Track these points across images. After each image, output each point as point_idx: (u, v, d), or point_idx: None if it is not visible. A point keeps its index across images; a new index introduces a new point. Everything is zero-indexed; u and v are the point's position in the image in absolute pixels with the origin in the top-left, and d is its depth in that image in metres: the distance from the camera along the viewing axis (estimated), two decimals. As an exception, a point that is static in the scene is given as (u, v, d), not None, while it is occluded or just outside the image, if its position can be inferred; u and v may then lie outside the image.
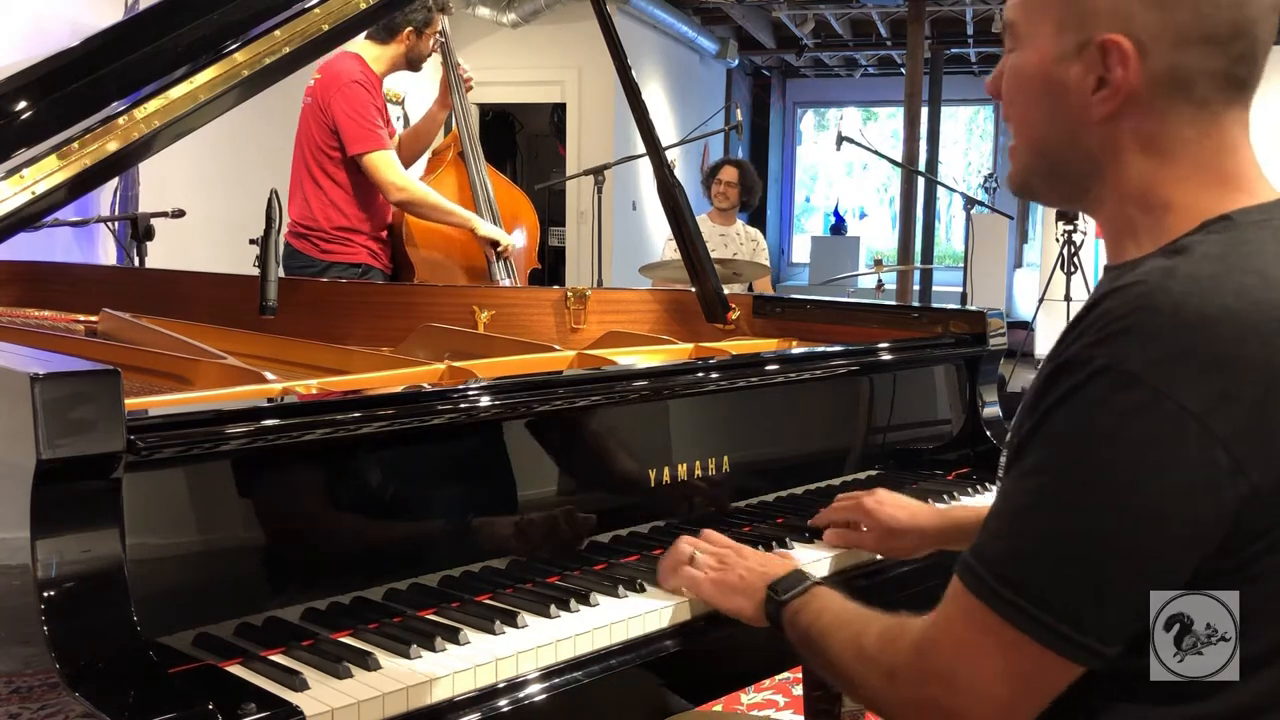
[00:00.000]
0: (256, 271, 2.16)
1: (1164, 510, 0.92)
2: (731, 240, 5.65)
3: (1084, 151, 1.06)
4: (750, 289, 5.06)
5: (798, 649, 1.26)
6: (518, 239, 3.79)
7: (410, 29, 3.60)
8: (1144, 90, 1.01)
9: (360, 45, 3.67)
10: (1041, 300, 8.01)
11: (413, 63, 3.70)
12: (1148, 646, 0.97)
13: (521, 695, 1.24)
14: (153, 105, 1.66)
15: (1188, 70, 1.00)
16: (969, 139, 16.41)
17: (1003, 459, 1.13)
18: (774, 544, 1.65)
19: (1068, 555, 0.95)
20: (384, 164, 3.49)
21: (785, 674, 3.26)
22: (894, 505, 1.64)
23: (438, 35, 3.66)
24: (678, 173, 2.52)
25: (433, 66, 3.83)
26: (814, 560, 1.62)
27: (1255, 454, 0.91)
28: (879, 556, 1.69)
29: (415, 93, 4.46)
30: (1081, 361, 0.94)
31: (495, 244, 3.57)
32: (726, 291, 2.44)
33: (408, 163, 3.86)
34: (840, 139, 6.02)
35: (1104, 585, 0.95)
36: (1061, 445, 0.96)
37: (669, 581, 1.46)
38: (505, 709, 1.22)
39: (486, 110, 9.50)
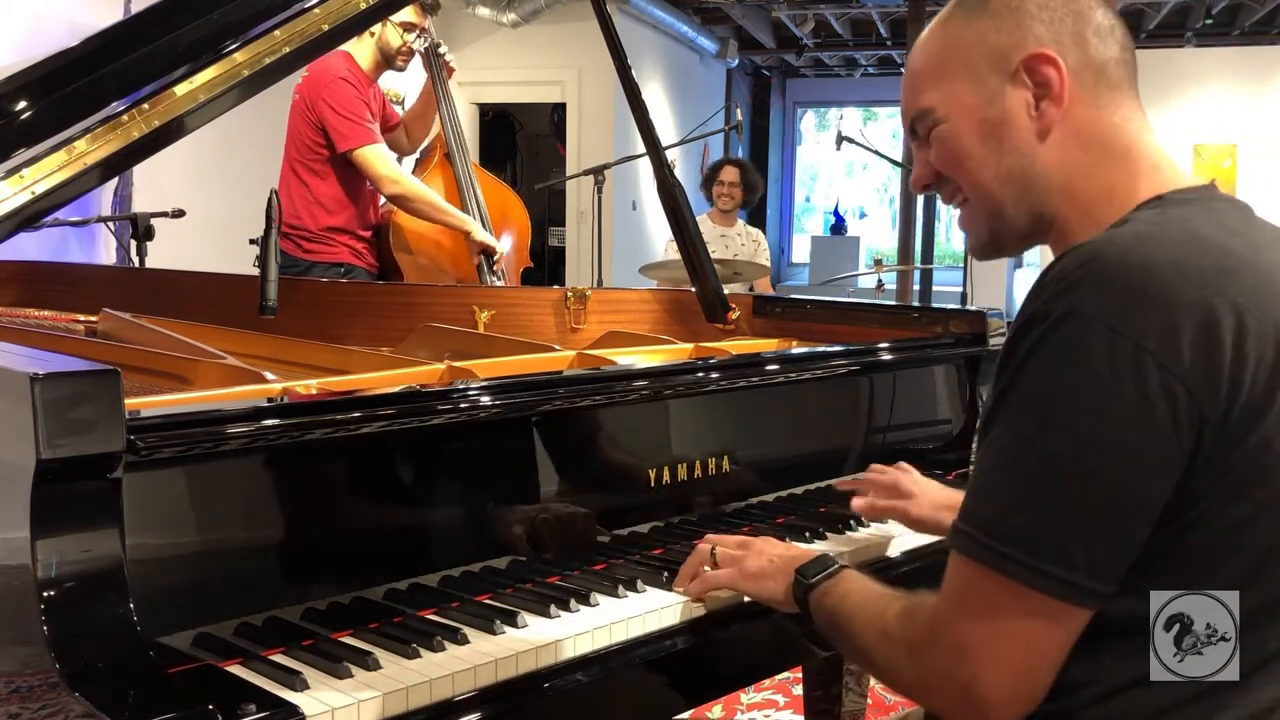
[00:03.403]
0: (256, 271, 2.16)
1: (1132, 441, 0.98)
2: (732, 241, 5.65)
3: (1042, 171, 1.15)
4: (751, 289, 5.05)
5: (824, 632, 1.29)
6: (506, 242, 3.76)
7: None
8: (1075, 87, 1.13)
9: (349, 44, 3.63)
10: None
11: (386, 56, 3.60)
12: (1135, 589, 1.02)
13: (521, 695, 1.24)
14: (152, 105, 1.66)
15: (1098, 59, 1.14)
16: (969, 139, 16.35)
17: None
18: (790, 543, 1.64)
19: (1050, 497, 1.00)
20: (375, 158, 3.46)
21: (785, 674, 3.26)
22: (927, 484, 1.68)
23: (410, 33, 3.57)
24: (678, 173, 2.52)
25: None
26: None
27: (1203, 386, 0.98)
28: (888, 554, 1.70)
29: (415, 94, 4.45)
30: (1042, 315, 1.02)
31: (488, 252, 3.53)
32: (726, 291, 2.45)
33: (417, 143, 3.84)
34: (840, 139, 6.01)
35: (1086, 521, 0.99)
36: (1033, 394, 1.02)
37: (695, 588, 1.44)
38: (505, 709, 1.22)
39: (486, 110, 9.49)
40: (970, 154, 1.17)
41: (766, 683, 3.31)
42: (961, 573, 1.05)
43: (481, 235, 3.54)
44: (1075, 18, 1.14)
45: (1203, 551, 1.02)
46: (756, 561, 1.41)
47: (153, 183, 4.85)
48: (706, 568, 1.45)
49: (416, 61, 3.77)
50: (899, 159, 7.79)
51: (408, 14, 3.55)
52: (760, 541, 1.46)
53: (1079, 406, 0.98)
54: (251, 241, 2.19)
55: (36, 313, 2.63)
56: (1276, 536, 1.02)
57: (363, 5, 1.86)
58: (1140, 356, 0.97)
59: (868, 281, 6.48)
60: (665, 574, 1.49)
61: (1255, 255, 1.05)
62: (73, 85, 1.69)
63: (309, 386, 1.62)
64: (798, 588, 1.32)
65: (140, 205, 4.70)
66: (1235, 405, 0.98)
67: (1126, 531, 1.00)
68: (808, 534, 1.71)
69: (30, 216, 1.56)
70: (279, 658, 1.21)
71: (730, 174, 5.65)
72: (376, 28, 3.53)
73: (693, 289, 2.43)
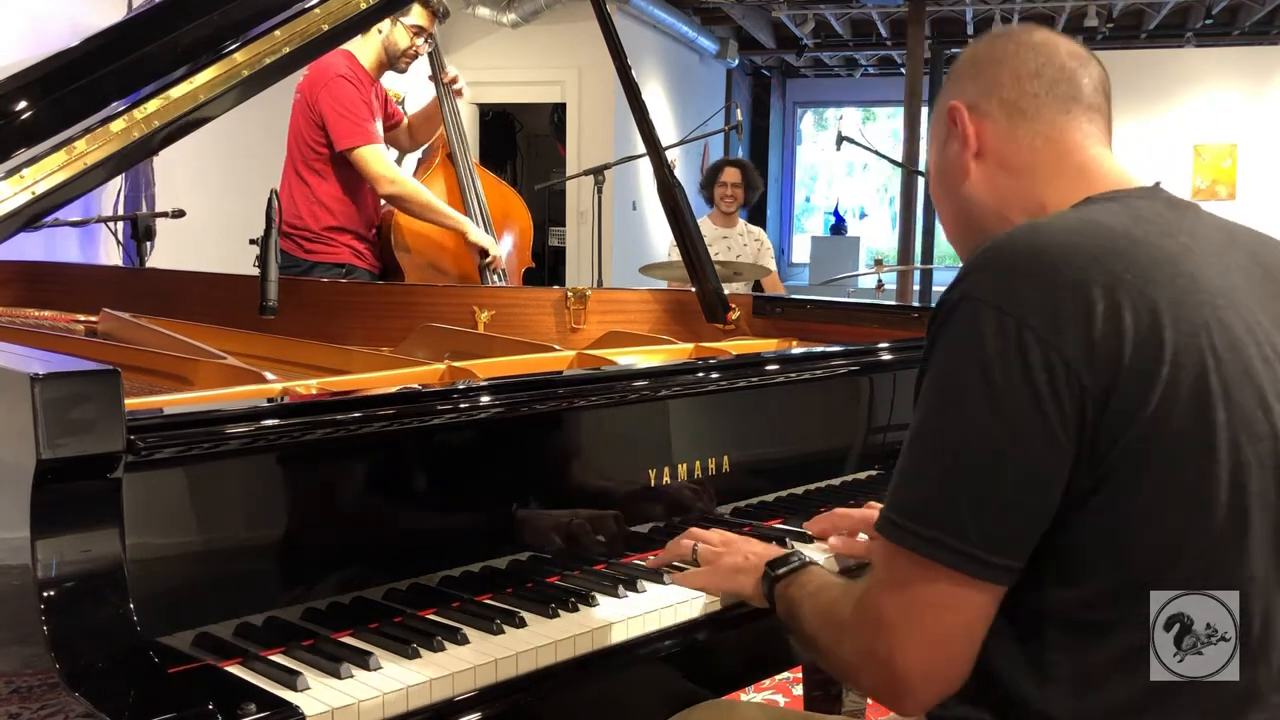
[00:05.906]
0: (256, 272, 2.16)
1: (1020, 416, 1.03)
2: (734, 242, 5.63)
3: (974, 200, 1.28)
4: (758, 288, 5.04)
5: (784, 622, 1.33)
6: (508, 241, 3.75)
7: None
8: (989, 127, 1.26)
9: (351, 42, 3.62)
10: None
11: (391, 56, 3.59)
12: (1045, 580, 1.06)
13: (522, 695, 1.24)
14: (153, 105, 1.66)
15: (1015, 100, 1.25)
16: (969, 139, 16.32)
17: None
18: (773, 544, 1.65)
19: (947, 473, 1.06)
20: (372, 158, 3.45)
21: (785, 674, 3.26)
22: None
23: (419, 37, 3.56)
24: (678, 173, 2.52)
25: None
26: (814, 560, 1.62)
27: (1081, 359, 1.02)
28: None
29: (415, 92, 4.47)
30: (945, 303, 1.10)
31: (484, 252, 3.54)
32: (727, 291, 2.45)
33: (418, 145, 3.83)
34: (840, 139, 6.00)
35: (981, 496, 1.04)
36: (935, 377, 1.09)
37: (682, 584, 1.48)
38: (505, 709, 1.22)
39: (486, 110, 9.49)
40: (936, 190, 1.35)
41: (766, 683, 3.31)
42: (881, 551, 1.11)
43: (476, 236, 3.53)
44: (995, 66, 1.26)
45: (1134, 526, 1.04)
46: (732, 559, 1.47)
47: (154, 183, 4.84)
48: (687, 565, 1.50)
49: (420, 64, 3.76)
50: (899, 159, 7.79)
51: (418, 18, 3.54)
52: (741, 540, 1.52)
53: (971, 385, 1.04)
54: (252, 242, 2.19)
55: (36, 313, 2.63)
56: (1198, 512, 1.04)
57: (363, 5, 1.86)
58: (1023, 334, 1.03)
59: (868, 281, 6.49)
60: (665, 574, 1.49)
61: (1159, 239, 1.10)
62: (73, 85, 1.69)
63: (309, 386, 1.62)
64: (765, 581, 1.38)
65: (154, 206, 4.70)
66: (1118, 379, 1.02)
67: (1022, 506, 1.04)
68: (808, 534, 1.71)
69: (30, 216, 1.56)
70: (279, 658, 1.21)
71: (732, 175, 5.63)
72: (385, 26, 3.53)
73: (693, 289, 2.43)
